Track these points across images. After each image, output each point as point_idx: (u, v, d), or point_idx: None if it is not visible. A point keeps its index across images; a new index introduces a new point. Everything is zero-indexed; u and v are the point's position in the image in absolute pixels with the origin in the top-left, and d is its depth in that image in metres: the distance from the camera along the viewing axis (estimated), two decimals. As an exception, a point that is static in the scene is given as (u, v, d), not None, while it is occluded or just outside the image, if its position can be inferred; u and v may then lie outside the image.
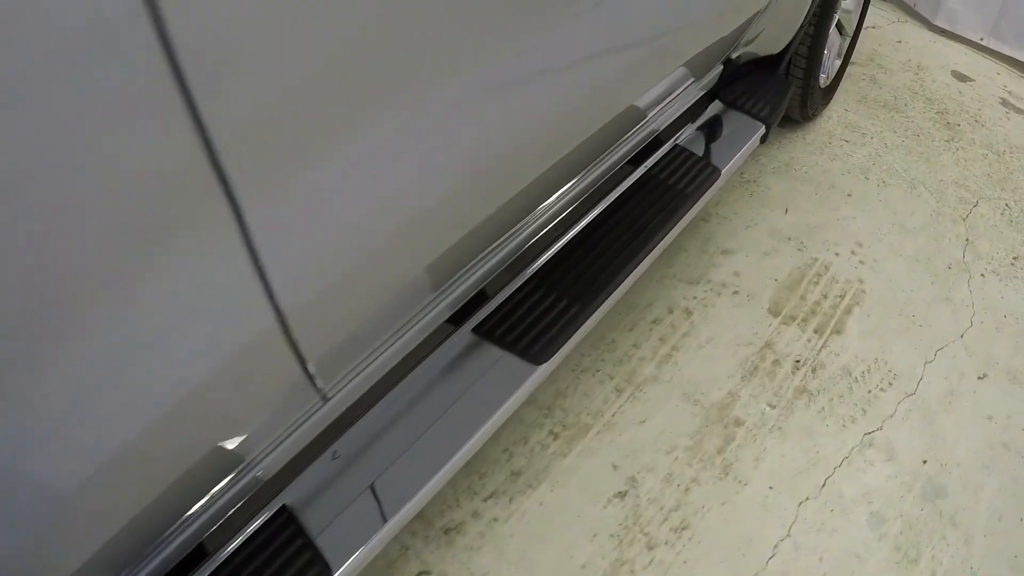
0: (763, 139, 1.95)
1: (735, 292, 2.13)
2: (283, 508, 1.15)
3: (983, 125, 2.92)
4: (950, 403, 1.95)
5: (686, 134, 1.87)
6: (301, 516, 1.15)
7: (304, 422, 1.09)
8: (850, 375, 1.96)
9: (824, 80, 2.53)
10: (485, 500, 1.67)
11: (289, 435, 1.08)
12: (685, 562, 1.60)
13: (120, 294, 0.73)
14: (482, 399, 1.29)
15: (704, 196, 1.71)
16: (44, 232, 0.65)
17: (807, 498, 1.72)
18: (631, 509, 1.67)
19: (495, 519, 1.64)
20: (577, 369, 1.92)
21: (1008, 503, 1.77)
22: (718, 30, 1.68)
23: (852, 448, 1.82)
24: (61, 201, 0.65)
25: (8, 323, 0.66)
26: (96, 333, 0.72)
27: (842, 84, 2.81)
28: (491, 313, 1.40)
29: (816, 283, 2.18)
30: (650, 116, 1.64)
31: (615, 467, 1.74)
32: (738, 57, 1.92)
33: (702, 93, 1.88)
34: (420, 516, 1.63)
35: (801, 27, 2.08)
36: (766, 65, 2.12)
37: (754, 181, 2.49)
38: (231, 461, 1.01)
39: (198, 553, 1.08)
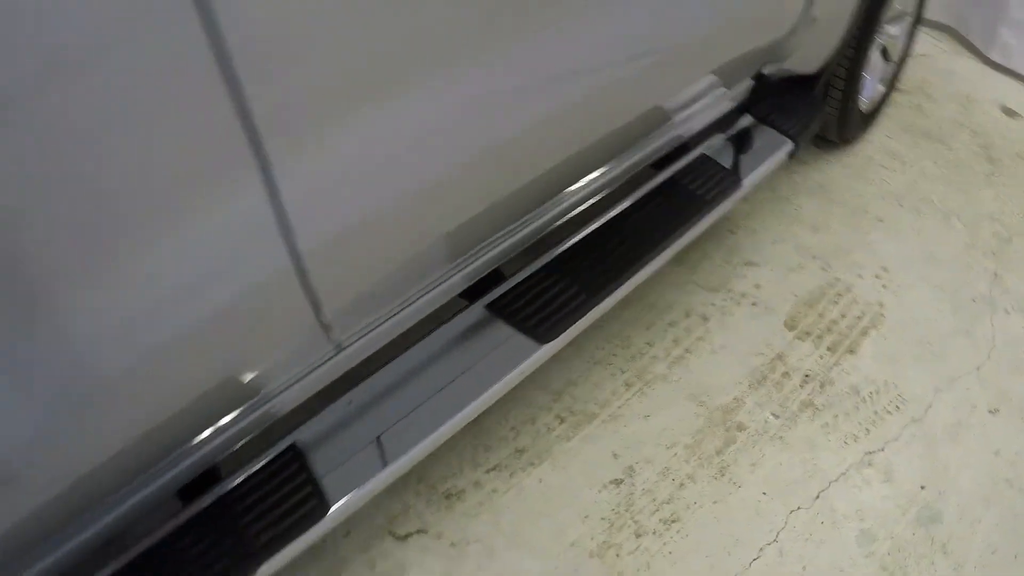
0: (791, 155, 2.00)
1: (754, 303, 2.18)
2: (292, 446, 1.26)
3: (1028, 163, 2.90)
4: (957, 434, 1.96)
5: (714, 144, 1.93)
6: (308, 455, 1.26)
7: (318, 367, 1.19)
8: (858, 394, 2.00)
9: (866, 105, 2.55)
10: (488, 472, 1.76)
11: (303, 377, 1.18)
12: (671, 553, 1.66)
13: (160, 224, 0.84)
14: (487, 369, 1.39)
15: (723, 204, 1.77)
16: (105, 170, 0.77)
17: (799, 507, 1.76)
18: (625, 496, 1.74)
19: (495, 490, 1.73)
20: (590, 361, 1.99)
21: (1004, 538, 1.78)
22: (740, 45, 1.75)
23: (851, 465, 1.85)
24: (120, 145, 0.77)
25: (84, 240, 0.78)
26: (136, 256, 0.83)
27: (886, 110, 2.83)
28: (505, 292, 1.49)
29: (836, 302, 2.21)
30: (676, 120, 1.70)
31: (615, 455, 1.81)
32: (771, 73, 1.97)
33: (733, 105, 1.94)
34: (424, 480, 1.73)
35: (838, 49, 2.11)
36: (802, 83, 2.16)
37: (787, 199, 2.53)
38: (244, 393, 1.11)
39: (210, 477, 1.19)
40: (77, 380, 0.87)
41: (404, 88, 1.01)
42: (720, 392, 1.95)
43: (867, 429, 1.93)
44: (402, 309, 1.29)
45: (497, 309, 1.47)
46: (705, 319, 2.12)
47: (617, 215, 1.70)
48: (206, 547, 1.17)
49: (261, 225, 0.94)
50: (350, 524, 1.66)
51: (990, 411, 2.03)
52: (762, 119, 1.99)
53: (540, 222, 1.50)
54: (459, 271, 1.36)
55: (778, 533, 1.72)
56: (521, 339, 1.43)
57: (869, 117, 2.67)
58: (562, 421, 1.86)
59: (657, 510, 1.72)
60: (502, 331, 1.44)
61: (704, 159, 1.86)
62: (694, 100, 1.74)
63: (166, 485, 1.09)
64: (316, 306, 1.07)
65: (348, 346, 1.22)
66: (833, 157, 2.70)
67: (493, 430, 1.83)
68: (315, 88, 0.91)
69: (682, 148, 1.86)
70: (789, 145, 1.97)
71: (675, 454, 1.82)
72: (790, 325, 2.14)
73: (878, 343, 2.13)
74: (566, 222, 1.60)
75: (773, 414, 1.92)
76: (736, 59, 1.73)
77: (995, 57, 3.36)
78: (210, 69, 0.79)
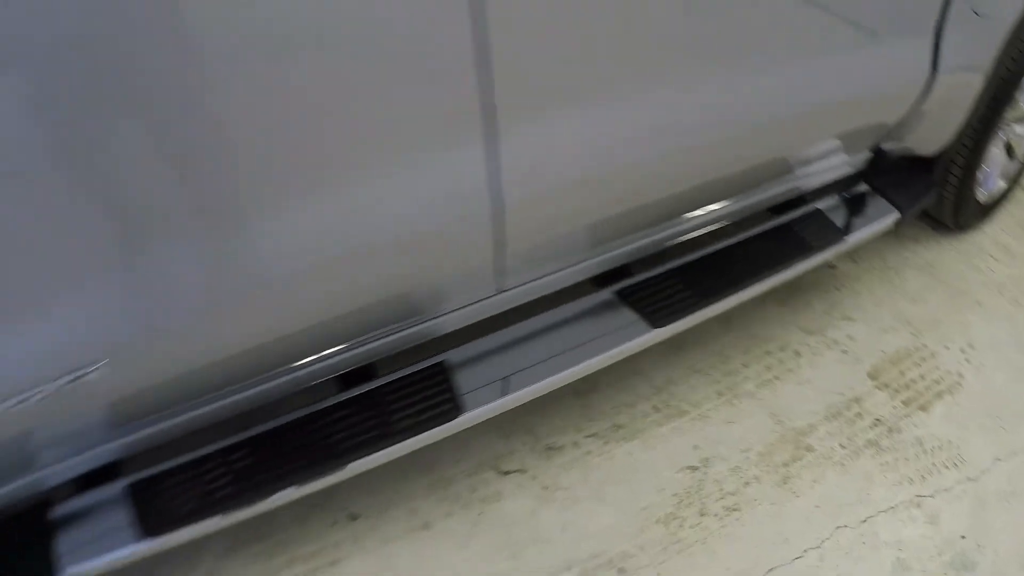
0: (896, 224, 2.26)
1: (844, 351, 2.45)
2: (441, 363, 1.65)
3: None
4: (1008, 501, 2.14)
5: (829, 202, 2.23)
6: (452, 373, 1.65)
7: (476, 303, 1.59)
8: (921, 446, 2.23)
9: (984, 196, 2.75)
10: (587, 437, 2.11)
11: (461, 308, 1.58)
12: (727, 535, 1.96)
13: (399, 160, 1.26)
14: (608, 340, 1.78)
15: (824, 253, 2.09)
16: (375, 111, 1.19)
17: (845, 525, 2.02)
18: (697, 481, 2.05)
19: (589, 452, 2.08)
20: (691, 368, 2.32)
21: (1030, 603, 1.97)
22: (853, 121, 2.06)
23: (900, 502, 2.09)
24: (388, 94, 1.19)
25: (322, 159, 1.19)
26: (374, 185, 1.25)
27: (1006, 206, 3.01)
28: (632, 284, 1.89)
29: (919, 364, 2.45)
30: (797, 173, 2.04)
31: (695, 447, 2.12)
32: (890, 149, 2.25)
33: (852, 171, 2.23)
34: (532, 432, 2.10)
35: (955, 139, 2.34)
36: (921, 164, 2.42)
37: (895, 270, 2.77)
38: (411, 310, 1.52)
39: (367, 372, 1.59)
40: (306, 263, 1.27)
41: (611, 96, 1.43)
42: (797, 416, 2.23)
43: (923, 476, 2.15)
44: (560, 271, 1.68)
45: (623, 296, 1.85)
46: (798, 355, 2.41)
47: (734, 243, 2.05)
48: (355, 421, 1.56)
49: (476, 175, 1.34)
50: (461, 453, 2.04)
51: (1045, 489, 2.21)
52: (876, 188, 2.27)
53: (670, 232, 1.87)
54: (599, 256, 1.75)
55: (823, 542, 1.98)
56: (639, 322, 1.80)
57: (987, 208, 2.85)
58: (657, 411, 2.19)
59: (722, 498, 2.03)
60: (624, 314, 1.83)
61: (817, 213, 2.17)
62: (815, 159, 2.06)
63: (325, 368, 1.49)
64: (500, 249, 1.47)
65: (507, 290, 1.62)
66: (946, 240, 2.91)
67: (598, 405, 2.18)
68: (547, 82, 1.31)
69: (800, 199, 2.18)
70: (895, 215, 2.24)
71: (747, 457, 2.12)
72: (872, 376, 2.39)
73: (950, 407, 2.34)
74: (689, 240, 1.96)
75: (840, 444, 2.19)
76: (851, 131, 2.05)
77: None
78: (471, 53, 1.18)
